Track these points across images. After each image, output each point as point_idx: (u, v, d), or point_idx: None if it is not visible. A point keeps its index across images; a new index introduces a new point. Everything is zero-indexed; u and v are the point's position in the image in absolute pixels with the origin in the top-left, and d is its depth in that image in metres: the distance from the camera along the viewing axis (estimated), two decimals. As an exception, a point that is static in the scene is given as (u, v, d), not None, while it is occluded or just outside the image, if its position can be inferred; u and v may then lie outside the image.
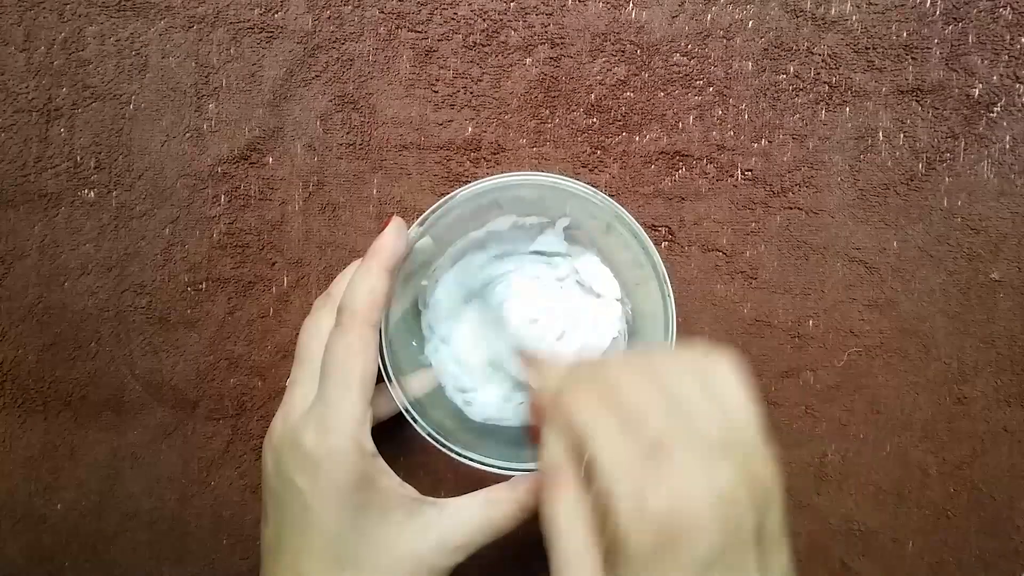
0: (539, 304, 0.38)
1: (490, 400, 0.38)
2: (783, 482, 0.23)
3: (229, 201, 0.40)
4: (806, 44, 0.38)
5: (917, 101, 0.38)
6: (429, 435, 0.33)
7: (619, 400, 0.23)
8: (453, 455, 0.33)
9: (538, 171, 0.37)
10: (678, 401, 0.23)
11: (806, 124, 0.38)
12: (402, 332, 0.36)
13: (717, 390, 0.24)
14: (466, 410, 0.37)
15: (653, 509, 0.20)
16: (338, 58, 0.40)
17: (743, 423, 0.23)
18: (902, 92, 0.38)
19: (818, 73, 0.38)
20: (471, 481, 0.39)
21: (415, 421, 0.33)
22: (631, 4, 0.39)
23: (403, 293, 0.36)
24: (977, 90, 0.38)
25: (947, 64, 0.38)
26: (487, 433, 0.36)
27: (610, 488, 0.21)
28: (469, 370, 0.38)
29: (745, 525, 0.21)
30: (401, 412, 0.33)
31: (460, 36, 0.39)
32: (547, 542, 0.24)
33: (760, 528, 0.21)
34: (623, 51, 0.39)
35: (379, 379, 0.31)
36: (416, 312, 0.38)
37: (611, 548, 0.21)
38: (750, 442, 0.23)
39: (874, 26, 0.38)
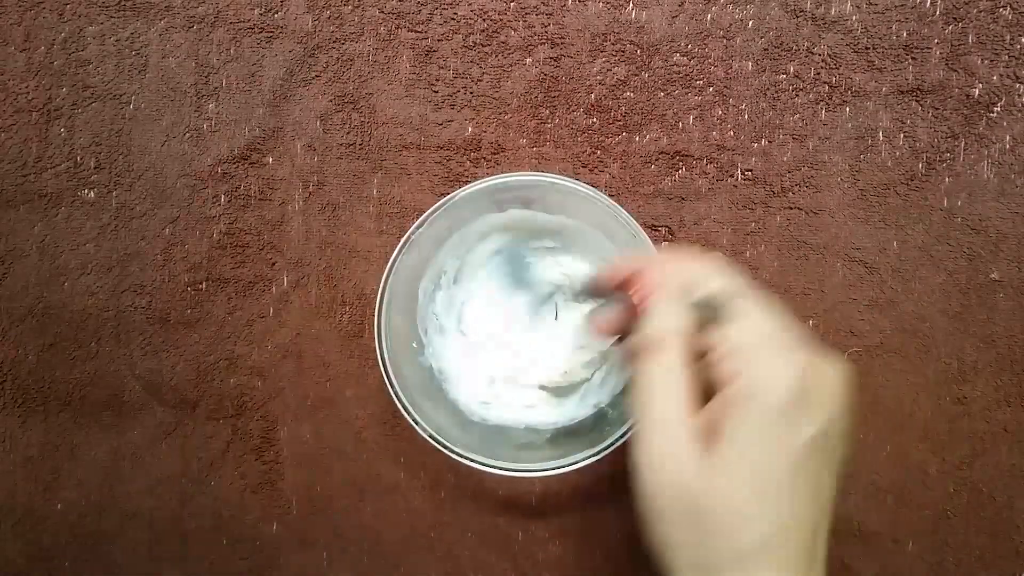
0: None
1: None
2: None
3: (229, 201, 0.40)
4: (806, 44, 0.38)
5: (917, 101, 0.38)
6: (429, 436, 0.33)
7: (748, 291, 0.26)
8: (453, 455, 0.33)
9: (538, 171, 0.37)
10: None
11: (806, 124, 0.38)
12: (403, 334, 0.36)
13: None
14: (466, 409, 0.37)
15: (796, 369, 0.23)
16: (338, 58, 0.40)
17: None
18: (902, 92, 0.38)
19: (818, 73, 0.38)
20: (471, 481, 0.39)
21: (416, 423, 0.33)
22: (631, 4, 0.39)
23: (404, 296, 0.36)
24: (977, 90, 0.38)
25: (947, 64, 0.38)
26: (487, 433, 0.36)
27: (749, 348, 0.24)
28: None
29: (847, 419, 0.24)
30: (402, 412, 0.33)
31: (460, 36, 0.39)
32: (637, 403, 0.25)
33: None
34: (623, 51, 0.39)
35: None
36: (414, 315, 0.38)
37: (736, 401, 0.23)
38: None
39: (874, 26, 0.38)
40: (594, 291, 0.31)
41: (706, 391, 0.25)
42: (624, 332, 0.29)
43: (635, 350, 0.26)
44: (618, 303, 0.29)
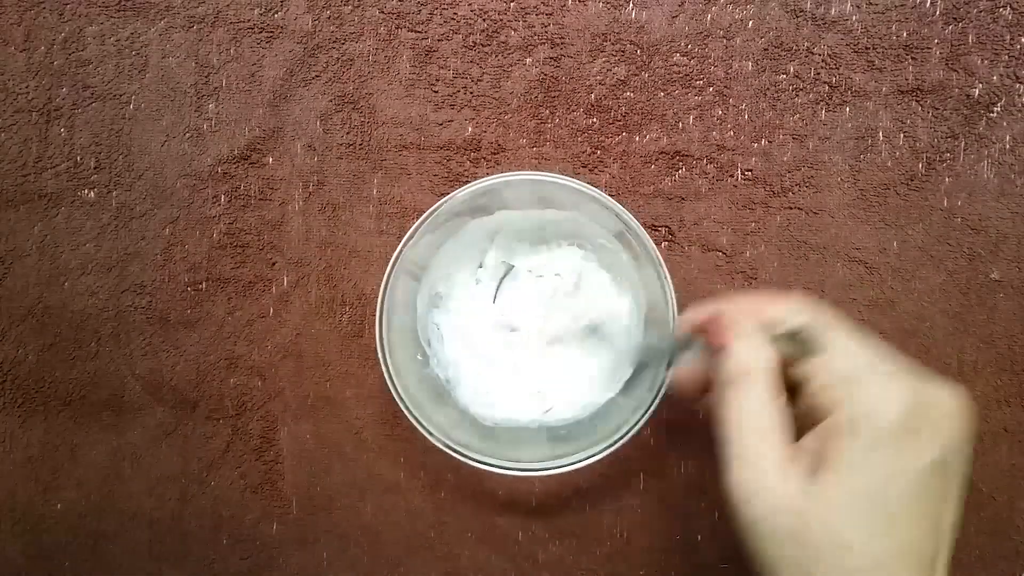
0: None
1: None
2: None
3: (229, 201, 0.40)
4: (806, 44, 0.38)
5: (917, 101, 0.38)
6: (432, 436, 0.33)
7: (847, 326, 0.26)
8: (454, 455, 0.33)
9: (539, 171, 0.37)
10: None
11: (806, 124, 0.38)
12: (404, 337, 0.36)
13: None
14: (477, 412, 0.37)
15: (905, 393, 0.23)
16: (338, 58, 0.40)
17: None
18: (902, 92, 0.38)
19: (818, 73, 0.38)
20: (471, 481, 0.39)
21: (423, 427, 0.33)
22: (631, 4, 0.39)
23: (404, 298, 0.36)
24: (977, 90, 0.38)
25: (947, 64, 0.38)
26: (489, 434, 0.36)
27: (852, 376, 0.24)
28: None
29: (969, 445, 0.24)
30: (403, 413, 0.33)
31: (460, 36, 0.39)
32: (726, 436, 0.25)
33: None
34: (623, 51, 0.39)
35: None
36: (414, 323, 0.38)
37: (843, 428, 0.23)
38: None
39: (874, 26, 0.38)
40: (669, 348, 0.30)
41: (799, 425, 0.25)
42: (709, 387, 0.28)
43: (719, 386, 0.25)
44: (697, 354, 0.29)
